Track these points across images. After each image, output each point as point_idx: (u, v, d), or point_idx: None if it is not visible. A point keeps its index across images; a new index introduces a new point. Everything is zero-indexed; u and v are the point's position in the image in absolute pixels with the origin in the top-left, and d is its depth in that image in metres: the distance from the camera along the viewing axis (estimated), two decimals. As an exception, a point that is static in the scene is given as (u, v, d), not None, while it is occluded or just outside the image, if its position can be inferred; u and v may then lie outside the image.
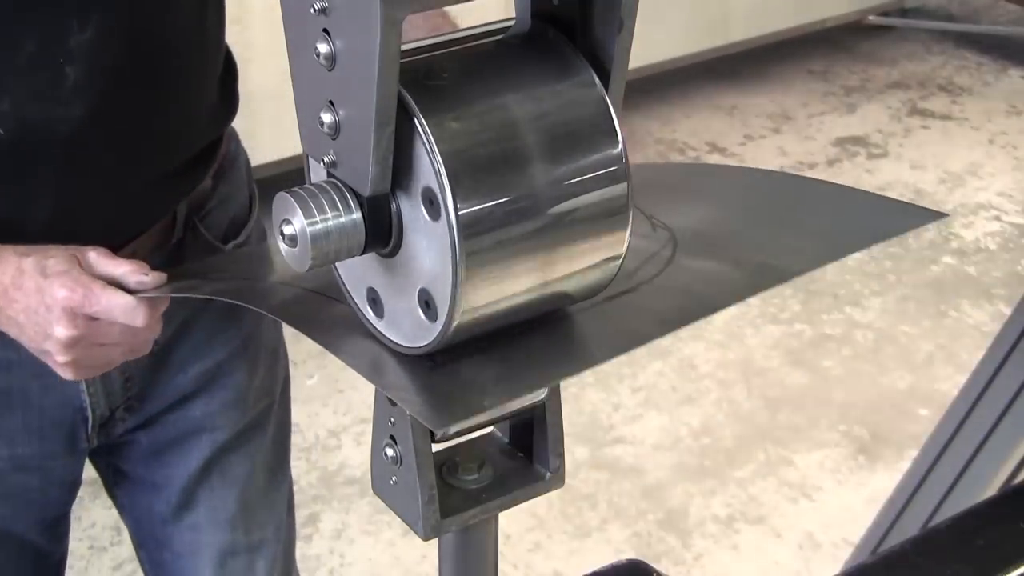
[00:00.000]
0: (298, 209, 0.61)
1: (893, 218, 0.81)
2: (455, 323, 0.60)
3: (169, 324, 1.08)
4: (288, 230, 0.62)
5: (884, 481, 2.35)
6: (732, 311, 2.97)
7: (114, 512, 1.28)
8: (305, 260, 0.62)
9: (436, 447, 0.67)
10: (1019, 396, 1.51)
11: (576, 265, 0.63)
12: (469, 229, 0.58)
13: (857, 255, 3.22)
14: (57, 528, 1.19)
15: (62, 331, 0.87)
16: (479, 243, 0.59)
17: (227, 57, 1.10)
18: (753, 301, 3.02)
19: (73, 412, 1.07)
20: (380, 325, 0.66)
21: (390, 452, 0.67)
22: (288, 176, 0.82)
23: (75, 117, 0.90)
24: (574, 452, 2.44)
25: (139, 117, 0.96)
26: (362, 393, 2.61)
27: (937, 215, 0.78)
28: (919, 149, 3.83)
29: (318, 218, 0.61)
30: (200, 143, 1.06)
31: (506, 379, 0.64)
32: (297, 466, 2.47)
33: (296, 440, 2.54)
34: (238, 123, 1.17)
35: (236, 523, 1.23)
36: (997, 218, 3.43)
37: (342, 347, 0.67)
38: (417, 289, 0.62)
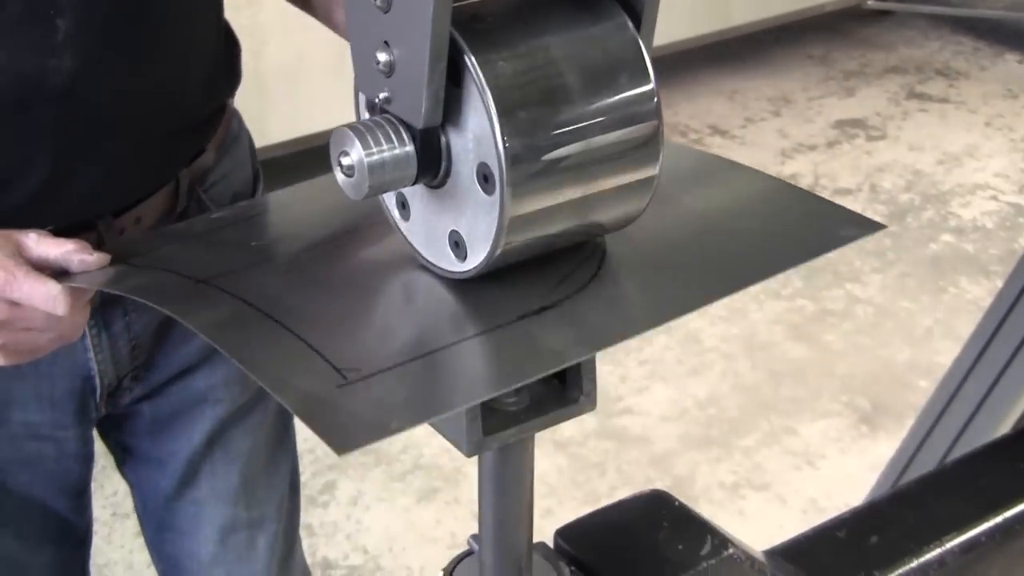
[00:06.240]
0: (356, 141, 0.66)
1: (831, 228, 0.77)
2: (494, 257, 0.66)
3: None
4: (346, 161, 0.67)
5: (885, 449, 2.40)
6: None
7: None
8: (362, 188, 0.67)
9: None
10: (1010, 364, 1.56)
11: (612, 194, 0.69)
12: (518, 160, 0.64)
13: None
14: (79, 499, 1.20)
15: None
16: (525, 170, 0.64)
17: (228, 32, 1.13)
18: (755, 278, 3.07)
19: (82, 381, 1.09)
20: (403, 227, 0.73)
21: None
22: (300, 156, 0.85)
23: (68, 69, 0.92)
24: (583, 422, 2.49)
25: (131, 72, 0.98)
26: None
27: (878, 226, 0.76)
28: (917, 131, 3.88)
29: (374, 149, 0.66)
30: (198, 111, 1.08)
31: (416, 401, 0.64)
32: (313, 435, 2.51)
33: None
34: (250, 104, 1.18)
35: (237, 498, 1.25)
36: (994, 198, 3.49)
37: (252, 360, 0.70)
38: (448, 230, 0.68)
